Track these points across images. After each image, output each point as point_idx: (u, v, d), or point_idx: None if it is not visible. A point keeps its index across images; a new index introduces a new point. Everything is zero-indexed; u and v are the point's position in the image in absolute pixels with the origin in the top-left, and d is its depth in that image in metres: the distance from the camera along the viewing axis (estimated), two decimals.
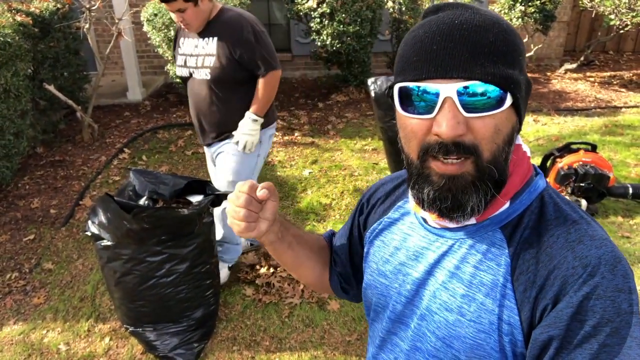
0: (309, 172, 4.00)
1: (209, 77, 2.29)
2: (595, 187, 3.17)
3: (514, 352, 0.67)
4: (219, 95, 2.33)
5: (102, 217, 2.01)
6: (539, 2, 5.32)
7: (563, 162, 3.25)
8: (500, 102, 0.62)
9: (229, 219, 0.80)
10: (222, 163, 2.46)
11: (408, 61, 0.65)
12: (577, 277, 0.62)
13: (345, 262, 0.98)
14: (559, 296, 0.62)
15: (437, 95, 0.62)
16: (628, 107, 5.41)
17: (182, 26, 2.21)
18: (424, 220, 0.77)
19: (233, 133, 2.39)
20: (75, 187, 3.81)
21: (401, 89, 0.66)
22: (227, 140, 2.43)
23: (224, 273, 2.61)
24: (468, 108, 0.61)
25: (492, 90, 0.61)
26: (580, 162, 3.21)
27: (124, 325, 2.27)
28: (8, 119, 3.27)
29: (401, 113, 0.67)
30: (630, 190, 3.26)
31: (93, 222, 2.03)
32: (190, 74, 2.36)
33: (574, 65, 6.57)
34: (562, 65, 6.85)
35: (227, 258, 2.67)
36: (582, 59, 6.56)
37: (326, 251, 1.02)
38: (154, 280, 2.07)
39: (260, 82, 2.29)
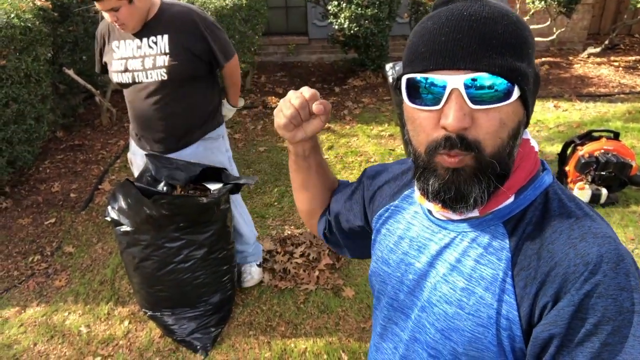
0: (325, 158, 3.99)
1: (165, 77, 2.06)
2: (617, 175, 3.11)
3: (512, 347, 0.67)
4: (177, 96, 2.13)
5: (122, 203, 2.04)
6: None
7: (584, 150, 3.18)
8: (507, 94, 0.62)
9: (279, 107, 0.83)
10: None
11: (416, 52, 0.65)
12: (579, 274, 0.61)
13: (336, 216, 1.02)
14: (560, 293, 0.62)
15: (444, 86, 0.62)
16: None
17: (117, 26, 2.00)
18: (429, 211, 0.78)
19: (200, 137, 2.25)
20: (94, 171, 3.87)
21: (409, 80, 0.66)
22: (192, 145, 2.24)
23: (256, 272, 2.59)
24: (475, 100, 0.61)
25: (500, 82, 0.61)
26: (602, 150, 3.14)
27: (143, 310, 2.31)
28: (29, 104, 3.31)
29: (409, 105, 0.67)
30: None
31: (113, 208, 2.06)
32: (134, 79, 2.10)
33: (598, 49, 6.39)
34: (586, 49, 6.67)
35: (253, 257, 2.61)
36: (606, 42, 6.37)
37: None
38: (172, 266, 2.10)
39: (226, 70, 2.22)
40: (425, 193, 0.70)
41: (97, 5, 1.94)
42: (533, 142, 0.74)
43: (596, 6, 7.47)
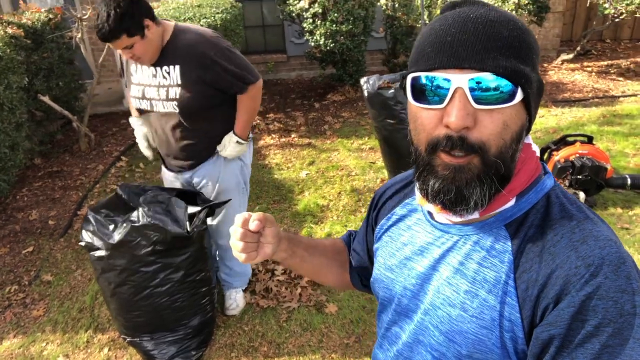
0: (306, 174, 4.00)
1: (177, 110, 2.04)
2: (593, 179, 3.15)
3: (515, 348, 0.68)
4: (195, 126, 2.11)
5: (95, 226, 2.01)
6: None
7: (559, 155, 3.23)
8: (511, 96, 0.62)
9: (233, 251, 0.85)
10: (208, 181, 2.27)
11: (422, 52, 0.66)
12: (580, 277, 0.62)
13: (364, 258, 1.01)
14: (561, 295, 0.62)
15: (449, 84, 0.62)
16: (626, 96, 5.37)
17: (134, 61, 1.97)
18: (430, 215, 0.79)
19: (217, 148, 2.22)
20: (73, 197, 3.82)
21: (414, 79, 0.67)
22: (209, 160, 2.23)
23: (240, 299, 2.52)
24: (479, 100, 0.62)
25: (504, 84, 0.62)
26: (577, 155, 3.19)
27: (122, 336, 2.27)
28: (3, 132, 3.28)
29: (412, 104, 0.68)
30: (629, 181, 3.24)
31: (87, 231, 2.04)
32: (152, 107, 2.09)
33: (571, 56, 6.53)
34: (559, 56, 6.81)
35: (239, 283, 2.55)
36: (578, 48, 6.52)
37: (344, 253, 1.07)
38: (149, 290, 2.07)
39: (241, 100, 2.09)
40: (425, 194, 0.71)
41: (111, 46, 1.89)
42: (534, 147, 0.74)
43: (567, 14, 7.66)
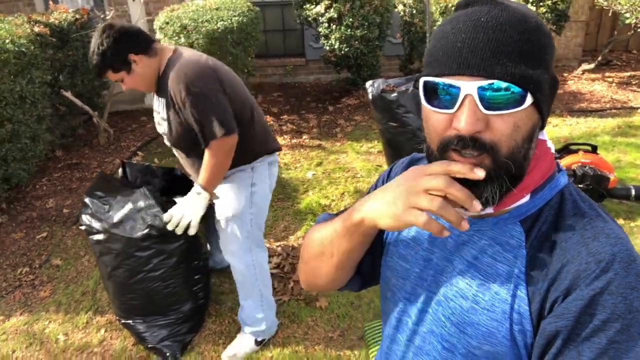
0: (313, 174, 4.08)
1: (169, 144, 2.04)
2: (595, 188, 3.12)
3: (524, 342, 0.69)
4: (195, 154, 2.03)
5: (92, 209, 2.14)
6: (550, 1, 5.26)
7: (561, 164, 3.21)
8: (519, 101, 0.64)
9: (411, 202, 0.67)
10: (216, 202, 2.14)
11: (434, 56, 0.68)
12: (590, 272, 0.63)
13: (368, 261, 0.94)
14: (570, 290, 0.64)
15: (458, 91, 0.64)
16: None
17: None
18: None
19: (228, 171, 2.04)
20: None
21: (426, 83, 0.69)
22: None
23: (240, 348, 2.23)
24: (488, 105, 0.63)
25: (513, 90, 0.63)
26: (579, 163, 3.17)
27: (117, 317, 2.39)
28: (24, 124, 3.47)
29: (425, 105, 0.70)
30: (633, 192, 3.20)
31: (86, 215, 2.16)
32: (164, 134, 2.05)
33: (592, 66, 6.43)
34: (581, 65, 6.72)
35: (248, 328, 2.24)
36: (599, 58, 6.42)
37: None
38: (143, 275, 2.18)
39: (205, 152, 1.90)
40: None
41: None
42: (549, 144, 0.75)
43: (592, 23, 7.54)
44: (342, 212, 0.87)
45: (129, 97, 6.27)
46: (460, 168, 0.65)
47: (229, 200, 2.07)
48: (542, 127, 0.71)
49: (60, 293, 2.77)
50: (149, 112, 5.78)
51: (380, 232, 0.90)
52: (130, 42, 1.84)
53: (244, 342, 2.25)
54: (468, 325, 0.74)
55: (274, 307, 2.32)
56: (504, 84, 0.63)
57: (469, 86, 0.63)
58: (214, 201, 2.11)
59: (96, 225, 2.13)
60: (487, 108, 0.64)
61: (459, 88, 0.64)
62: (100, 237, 2.14)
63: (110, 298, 2.36)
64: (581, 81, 6.31)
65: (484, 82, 0.62)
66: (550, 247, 0.68)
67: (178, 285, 2.26)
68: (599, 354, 0.61)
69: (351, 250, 0.82)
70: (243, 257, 2.13)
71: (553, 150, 0.75)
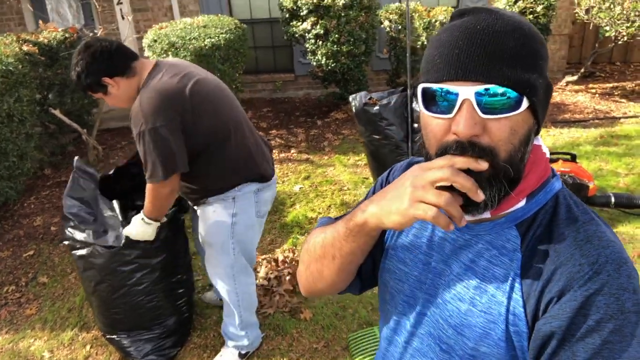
0: (300, 188, 4.12)
1: None
2: None
3: (520, 343, 0.71)
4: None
5: (74, 221, 2.16)
6: (532, 16, 5.38)
7: None
8: (516, 105, 0.65)
9: (416, 197, 0.68)
10: (199, 224, 2.14)
11: (432, 63, 0.70)
12: (583, 273, 0.65)
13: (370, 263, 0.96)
14: (564, 291, 0.65)
15: (456, 96, 0.66)
16: (627, 117, 5.37)
17: None
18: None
19: (208, 199, 2.03)
20: None
21: (424, 89, 0.70)
22: (202, 203, 2.07)
23: (229, 359, 2.25)
24: (485, 110, 0.65)
25: (509, 94, 0.65)
26: (558, 172, 3.23)
27: (102, 333, 2.39)
28: (11, 142, 3.50)
29: (423, 112, 0.71)
30: (613, 200, 3.26)
31: (68, 229, 2.18)
32: None
33: (575, 77, 6.56)
34: (565, 77, 6.84)
35: (231, 342, 2.26)
36: (582, 70, 6.55)
37: None
38: (126, 289, 2.19)
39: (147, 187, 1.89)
40: None
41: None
42: (544, 149, 0.77)
43: (575, 36, 7.70)
44: (343, 215, 0.88)
45: (120, 114, 6.30)
46: (464, 160, 0.66)
47: (209, 229, 2.05)
48: (537, 132, 0.73)
49: (47, 310, 2.77)
50: None
51: (381, 236, 0.91)
52: (104, 65, 1.81)
53: (227, 356, 2.26)
54: (465, 327, 0.75)
55: (256, 325, 2.31)
56: (500, 89, 0.65)
57: (466, 91, 0.65)
58: (198, 225, 2.12)
59: (80, 236, 2.15)
60: (484, 112, 0.66)
61: (457, 94, 0.66)
62: (83, 252, 2.16)
63: (94, 313, 2.37)
64: (565, 93, 6.42)
65: (481, 87, 0.64)
66: (545, 250, 0.70)
67: (161, 299, 2.27)
68: (593, 354, 0.62)
69: (354, 252, 0.83)
70: (225, 283, 2.13)
71: (548, 155, 0.77)
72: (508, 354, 0.72)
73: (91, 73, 1.81)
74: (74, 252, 2.18)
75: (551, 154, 3.38)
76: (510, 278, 0.72)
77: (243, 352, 2.28)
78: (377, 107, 3.31)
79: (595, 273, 0.64)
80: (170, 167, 1.81)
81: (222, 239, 2.04)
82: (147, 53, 4.99)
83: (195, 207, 2.15)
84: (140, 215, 1.98)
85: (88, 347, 2.46)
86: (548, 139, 4.91)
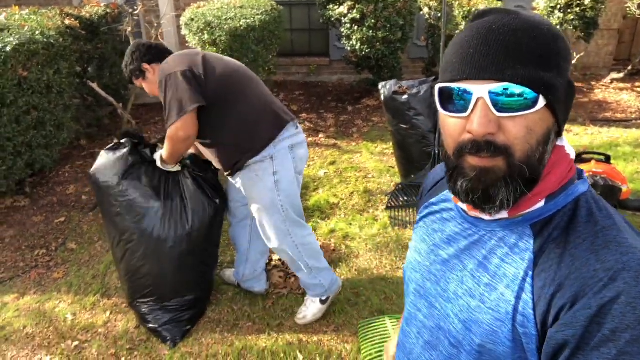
0: (325, 172, 4.12)
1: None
2: (606, 199, 3.06)
3: (530, 346, 0.70)
4: (209, 146, 2.19)
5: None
6: (578, 9, 5.15)
7: None
8: (532, 103, 0.65)
9: None
10: (245, 194, 2.27)
11: (449, 62, 0.71)
12: (598, 280, 0.63)
13: None
14: (577, 297, 0.63)
15: (470, 95, 0.67)
16: None
17: None
18: (464, 210, 0.82)
19: (247, 162, 2.13)
20: None
21: (441, 89, 0.72)
22: (238, 174, 2.18)
23: (309, 311, 2.42)
24: (500, 108, 0.65)
25: (524, 92, 0.64)
26: (590, 173, 3.11)
27: (126, 297, 2.48)
28: (49, 112, 3.63)
29: (441, 111, 0.73)
30: None
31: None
32: None
33: (621, 75, 6.27)
34: (610, 74, 6.55)
35: (311, 293, 2.42)
36: (629, 68, 6.25)
37: None
38: (156, 256, 2.27)
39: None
40: (455, 194, 0.74)
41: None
42: (569, 149, 0.75)
43: (626, 32, 7.34)
44: None
45: None
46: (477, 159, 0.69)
47: (255, 192, 2.16)
48: (559, 133, 0.72)
49: (73, 275, 2.90)
50: None
51: None
52: (143, 53, 2.15)
53: (309, 305, 2.44)
54: (473, 323, 0.75)
55: (327, 270, 2.41)
56: (515, 87, 0.65)
57: (480, 89, 0.66)
58: (236, 194, 2.36)
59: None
60: (499, 110, 0.66)
61: (471, 92, 0.66)
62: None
63: (120, 276, 2.45)
64: (608, 90, 6.15)
65: (496, 85, 0.65)
66: (560, 253, 0.68)
67: (188, 273, 2.36)
68: None
69: None
70: (283, 241, 2.23)
71: (572, 157, 0.75)
72: (515, 354, 0.72)
73: (133, 61, 2.17)
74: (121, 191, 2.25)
75: (585, 153, 3.26)
76: (521, 278, 0.71)
77: (323, 298, 2.43)
78: (405, 96, 3.27)
79: (610, 280, 0.62)
80: (183, 106, 1.96)
81: (270, 197, 2.14)
82: (184, 31, 5.06)
83: (236, 178, 2.22)
84: (159, 154, 2.25)
85: (108, 313, 2.56)
86: (585, 137, 4.73)
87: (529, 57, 0.65)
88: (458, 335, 0.78)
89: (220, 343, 2.33)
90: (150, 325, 2.38)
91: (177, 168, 2.32)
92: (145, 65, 2.16)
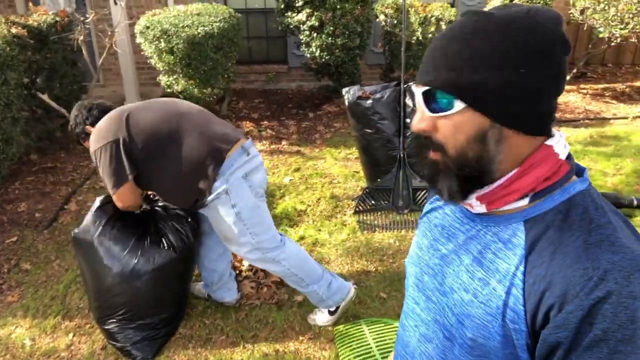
0: (290, 180, 4.09)
1: None
2: None
3: (520, 342, 0.71)
4: (154, 192, 2.30)
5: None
6: None
7: None
8: (449, 105, 0.71)
9: None
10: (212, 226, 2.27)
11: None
12: (588, 279, 0.63)
13: None
14: (567, 296, 0.64)
15: (415, 97, 0.78)
16: (617, 119, 5.40)
17: None
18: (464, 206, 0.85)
19: (205, 201, 2.09)
20: (62, 192, 3.95)
21: (411, 89, 0.86)
22: (202, 206, 2.13)
23: (318, 319, 2.42)
24: (431, 109, 0.73)
25: (442, 95, 0.71)
26: None
27: (94, 317, 2.36)
28: None
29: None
30: None
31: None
32: None
33: (567, 78, 6.58)
34: None
35: (322, 304, 2.38)
36: (574, 71, 6.58)
37: None
38: (131, 277, 2.19)
39: None
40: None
41: None
42: (558, 150, 0.74)
43: (570, 38, 7.72)
44: None
45: (109, 100, 6.21)
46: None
47: (221, 228, 2.16)
48: (528, 132, 0.71)
49: (29, 297, 2.72)
50: None
51: None
52: (85, 117, 2.18)
53: (318, 314, 2.43)
54: (466, 317, 0.77)
55: (330, 280, 2.33)
56: (438, 91, 0.72)
57: (418, 92, 0.74)
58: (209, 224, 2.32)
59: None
60: (431, 111, 0.73)
61: (414, 94, 0.77)
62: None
63: (89, 295, 2.33)
64: None
65: (424, 89, 0.73)
66: (552, 250, 0.68)
67: (163, 292, 2.29)
68: None
69: None
70: (265, 263, 2.23)
71: (562, 157, 0.73)
72: (505, 349, 0.72)
73: (77, 124, 2.19)
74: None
75: None
76: (512, 273, 0.71)
77: (332, 309, 2.39)
78: (370, 101, 3.29)
79: (600, 280, 0.62)
80: (115, 182, 2.03)
81: (236, 229, 2.11)
82: (139, 40, 4.92)
83: (201, 213, 2.26)
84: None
85: (71, 335, 2.42)
86: None
87: (451, 62, 0.70)
88: (452, 328, 0.80)
89: (194, 359, 2.25)
90: (119, 345, 2.27)
91: (145, 207, 2.34)
92: (89, 128, 2.17)
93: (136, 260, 2.17)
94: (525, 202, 0.73)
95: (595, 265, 0.63)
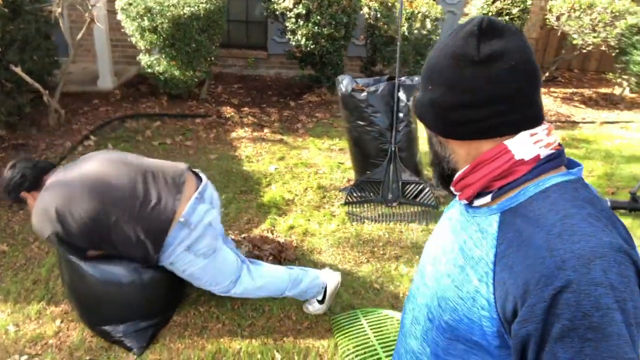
0: (275, 168, 4.06)
1: None
2: None
3: (491, 329, 0.73)
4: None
5: None
6: (507, 17, 5.52)
7: None
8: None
9: None
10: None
11: None
12: (546, 269, 0.64)
13: None
14: (528, 286, 0.65)
15: None
16: (585, 123, 5.66)
17: None
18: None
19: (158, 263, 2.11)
20: None
21: None
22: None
23: (313, 307, 2.43)
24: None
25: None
26: None
27: (85, 322, 2.28)
28: None
29: None
30: None
31: None
32: None
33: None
34: None
35: (308, 297, 2.41)
36: (546, 75, 6.81)
37: None
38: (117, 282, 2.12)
39: None
40: None
41: None
42: (516, 149, 0.75)
43: (540, 41, 7.98)
44: None
45: (82, 77, 5.96)
46: None
47: (188, 281, 2.21)
48: (458, 138, 0.81)
49: (9, 281, 2.59)
50: (102, 95, 5.52)
51: None
52: (19, 184, 2.12)
53: (310, 305, 2.43)
54: (442, 299, 0.83)
55: (299, 282, 2.32)
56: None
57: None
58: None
59: None
60: None
61: None
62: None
63: (74, 304, 2.27)
64: None
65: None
66: (519, 242, 0.70)
67: (159, 295, 2.26)
68: (574, 353, 0.61)
69: None
70: (248, 293, 2.26)
71: (520, 156, 0.75)
72: (473, 332, 0.76)
73: (12, 191, 2.13)
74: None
75: None
76: (484, 261, 0.75)
77: (319, 298, 2.40)
78: (364, 94, 3.30)
79: (558, 269, 0.63)
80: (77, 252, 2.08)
81: (194, 282, 2.19)
82: (120, 16, 4.73)
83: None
84: None
85: (58, 321, 2.33)
86: None
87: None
88: (434, 310, 0.86)
89: (191, 347, 2.22)
90: (111, 337, 2.20)
91: None
92: (24, 194, 2.15)
93: (124, 271, 2.12)
94: (487, 199, 0.80)
95: (553, 254, 0.64)
